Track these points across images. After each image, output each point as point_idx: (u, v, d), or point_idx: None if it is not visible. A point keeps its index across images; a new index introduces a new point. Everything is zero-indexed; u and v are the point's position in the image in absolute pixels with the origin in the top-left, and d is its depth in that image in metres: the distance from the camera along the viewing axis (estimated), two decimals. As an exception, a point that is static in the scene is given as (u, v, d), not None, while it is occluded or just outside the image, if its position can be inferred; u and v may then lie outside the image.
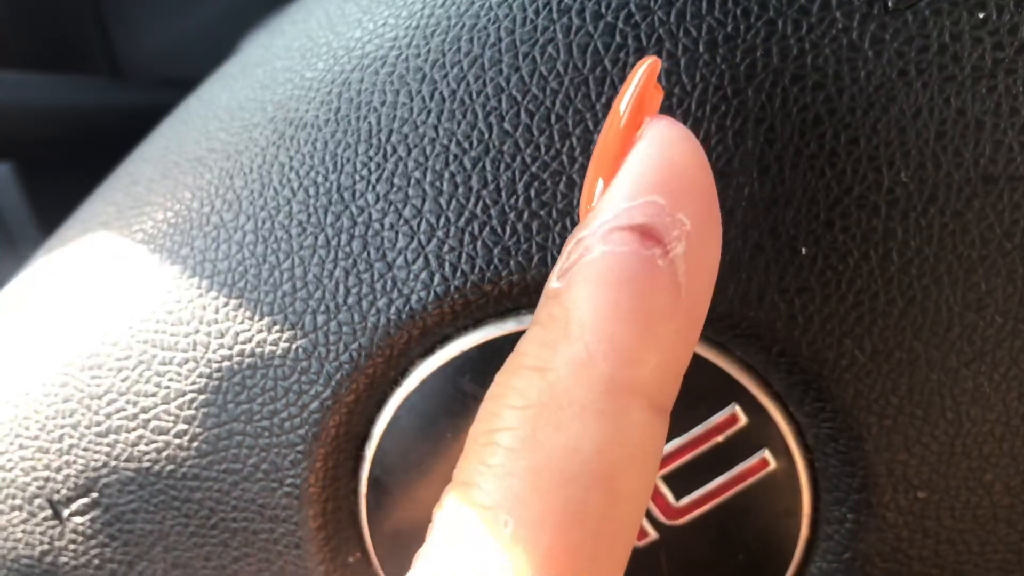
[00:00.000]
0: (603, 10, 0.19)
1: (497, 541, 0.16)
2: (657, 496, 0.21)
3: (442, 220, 0.20)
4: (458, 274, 0.20)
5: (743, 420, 0.21)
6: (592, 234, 0.17)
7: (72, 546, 0.24)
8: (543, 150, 0.20)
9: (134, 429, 0.23)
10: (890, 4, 0.19)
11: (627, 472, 0.16)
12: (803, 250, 0.19)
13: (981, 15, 0.18)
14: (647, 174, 0.17)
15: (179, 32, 0.54)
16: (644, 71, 0.18)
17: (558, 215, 0.20)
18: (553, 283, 0.17)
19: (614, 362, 0.16)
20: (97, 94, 0.46)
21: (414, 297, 0.21)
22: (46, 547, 0.24)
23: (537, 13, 0.20)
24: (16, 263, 0.39)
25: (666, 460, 0.21)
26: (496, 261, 0.20)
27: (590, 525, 0.16)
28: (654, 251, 0.17)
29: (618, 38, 0.19)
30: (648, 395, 0.17)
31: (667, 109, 0.19)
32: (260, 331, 0.21)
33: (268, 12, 0.51)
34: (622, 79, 0.19)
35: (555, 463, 0.16)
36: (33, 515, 0.24)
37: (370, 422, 0.22)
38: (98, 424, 0.23)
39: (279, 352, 0.21)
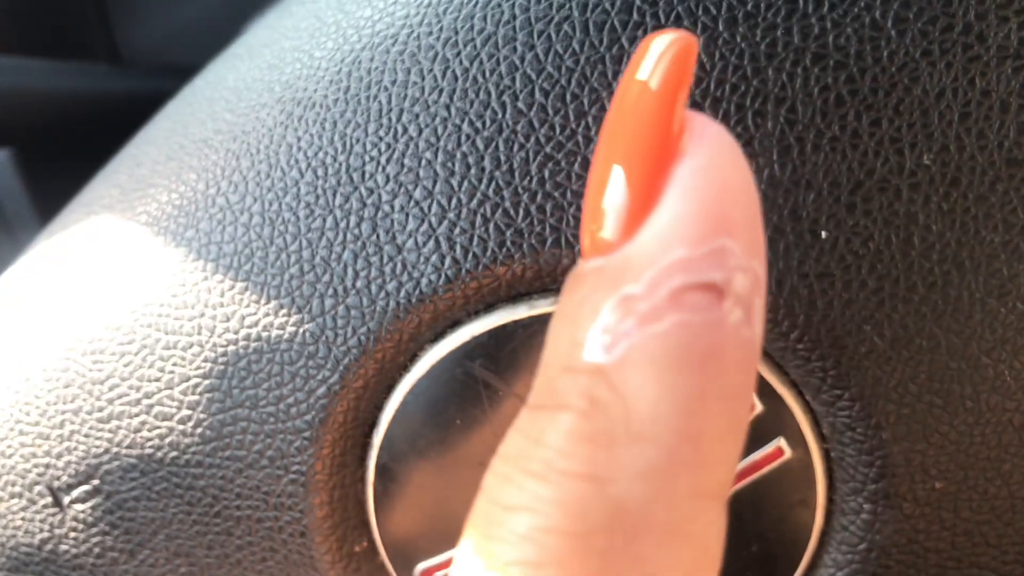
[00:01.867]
0: (621, -13, 0.19)
1: None
2: (670, 485, 0.21)
3: (453, 202, 0.20)
4: (469, 257, 0.20)
5: (759, 408, 0.20)
6: (652, 294, 0.13)
7: (73, 534, 0.24)
8: (558, 130, 0.19)
9: (137, 415, 0.22)
10: (914, -18, 0.18)
11: None
12: (824, 234, 0.19)
13: None
14: (712, 207, 0.13)
15: (180, 19, 0.54)
16: (681, 42, 0.14)
17: (573, 197, 0.19)
18: (591, 354, 0.13)
19: (698, 469, 0.13)
20: (97, 81, 0.46)
21: (424, 281, 0.20)
22: (46, 535, 0.24)
23: (552, -11, 0.19)
24: (14, 250, 0.38)
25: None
26: (509, 244, 0.20)
27: None
28: (736, 315, 0.13)
29: (636, 15, 0.19)
30: (724, 493, 0.14)
31: (685, 89, 0.19)
32: (267, 315, 0.21)
33: (269, 1, 0.50)
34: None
35: None
36: (33, 502, 0.24)
37: (378, 408, 0.21)
38: (100, 410, 0.23)
39: (286, 336, 0.21)
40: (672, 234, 0.13)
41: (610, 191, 0.14)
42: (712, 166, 0.13)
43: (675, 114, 0.14)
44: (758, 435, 0.20)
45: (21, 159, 0.47)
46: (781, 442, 0.20)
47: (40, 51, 0.49)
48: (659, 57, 0.14)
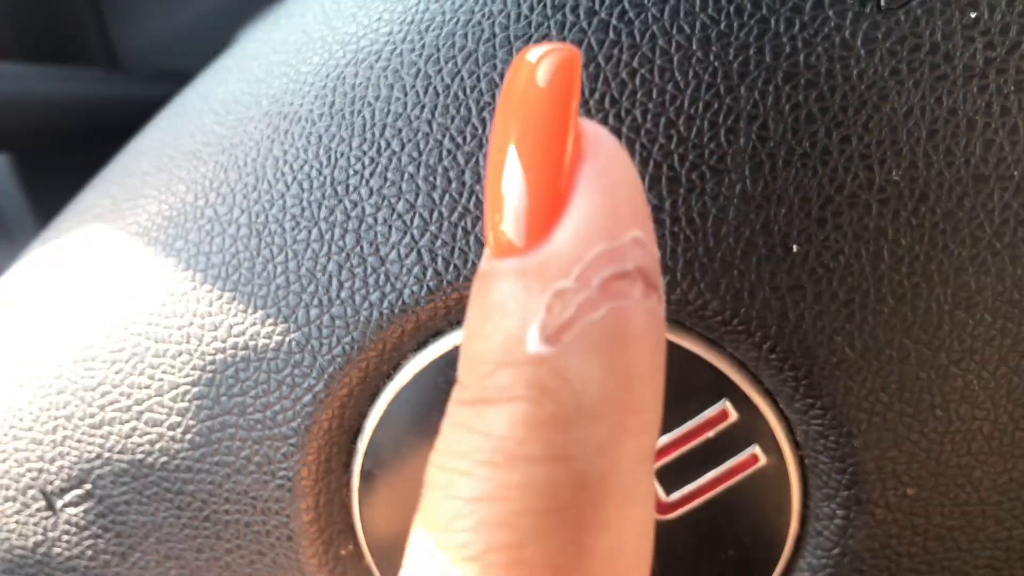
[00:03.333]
0: (597, 7, 0.19)
1: None
2: (648, 491, 0.21)
3: (435, 215, 0.20)
4: (451, 269, 0.20)
5: (733, 416, 0.21)
6: (584, 287, 0.14)
7: (65, 537, 0.24)
8: None
9: (128, 421, 0.23)
10: (883, 3, 0.19)
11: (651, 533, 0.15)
12: (795, 248, 0.19)
13: (973, 15, 0.18)
14: (620, 203, 0.14)
15: (176, 25, 0.54)
16: (566, 50, 0.15)
17: (551, 211, 0.20)
18: (533, 347, 0.14)
19: (641, 435, 0.15)
20: (94, 86, 0.46)
21: (407, 292, 0.21)
22: (39, 538, 0.24)
23: (532, 9, 0.20)
24: (12, 254, 0.39)
25: (657, 455, 0.21)
26: None
27: None
28: (653, 299, 0.15)
29: (612, 35, 0.19)
30: (653, 456, 0.15)
31: (660, 106, 0.19)
32: (253, 324, 0.22)
33: (265, 5, 0.51)
34: (616, 75, 0.19)
35: (607, 568, 0.14)
36: (26, 506, 0.24)
37: (363, 415, 0.22)
38: (92, 416, 0.23)
39: (272, 345, 0.21)
40: (591, 231, 0.14)
41: (513, 197, 0.15)
42: (611, 166, 0.15)
43: (571, 120, 0.15)
44: (733, 442, 0.21)
45: (19, 164, 0.48)
46: (756, 449, 0.21)
47: (38, 56, 0.49)
48: (546, 54, 0.15)
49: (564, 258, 0.14)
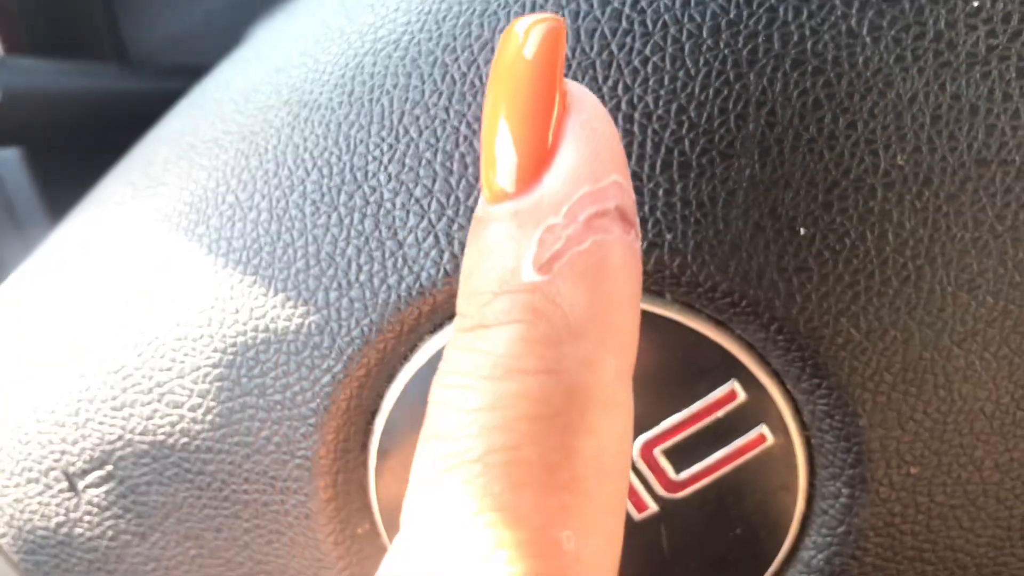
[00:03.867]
0: (610, -4, 0.20)
1: (561, 559, 0.15)
2: (657, 470, 0.22)
3: (452, 199, 0.21)
4: None
5: (742, 396, 0.21)
6: (571, 223, 0.16)
7: (87, 518, 0.25)
8: None
9: (149, 403, 0.23)
10: (888, -8, 0.19)
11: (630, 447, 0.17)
12: (802, 230, 0.20)
13: (975, 3, 0.19)
14: (602, 150, 0.16)
15: (187, 20, 0.54)
16: (551, 20, 0.17)
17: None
18: (528, 275, 0.16)
19: (620, 353, 0.16)
20: (106, 81, 0.47)
21: (424, 274, 0.21)
22: (62, 518, 0.25)
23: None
24: (24, 248, 0.39)
25: (666, 434, 0.21)
26: None
27: (622, 516, 0.17)
28: (631, 235, 0.17)
29: (624, 23, 0.20)
30: (632, 372, 0.17)
31: (671, 93, 0.20)
32: (274, 307, 0.22)
33: (275, 2, 0.51)
34: (629, 63, 0.20)
35: (592, 469, 0.16)
36: (49, 487, 0.25)
37: (380, 396, 0.22)
38: (113, 398, 0.24)
39: (292, 327, 0.22)
40: (577, 174, 0.16)
41: (505, 153, 0.16)
42: (593, 118, 0.17)
43: (557, 83, 0.17)
44: (742, 422, 0.21)
45: (31, 157, 0.48)
46: (763, 429, 0.21)
47: (50, 52, 0.50)
48: (532, 25, 0.17)
49: (554, 197, 0.16)
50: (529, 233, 0.16)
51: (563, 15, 0.20)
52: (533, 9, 0.20)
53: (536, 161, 0.16)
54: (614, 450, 0.16)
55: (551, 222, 0.16)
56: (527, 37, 0.17)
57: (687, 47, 0.20)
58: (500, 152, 0.16)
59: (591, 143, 0.16)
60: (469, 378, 0.16)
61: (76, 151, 0.46)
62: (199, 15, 0.55)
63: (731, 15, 0.20)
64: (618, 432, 0.16)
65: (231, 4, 0.55)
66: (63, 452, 0.24)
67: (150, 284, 0.23)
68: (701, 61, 0.20)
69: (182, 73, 0.47)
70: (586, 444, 0.16)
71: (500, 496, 0.15)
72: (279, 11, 0.47)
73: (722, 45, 0.20)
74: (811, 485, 0.22)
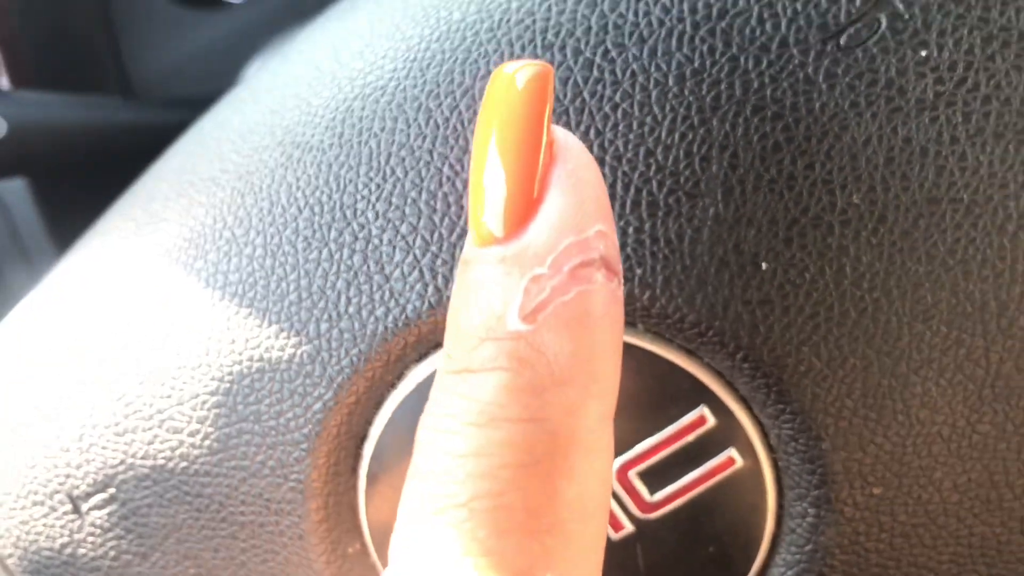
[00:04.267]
0: (582, 47, 0.21)
1: None
2: (633, 491, 0.23)
3: (436, 236, 0.22)
4: (450, 285, 0.22)
5: (711, 421, 0.22)
6: (556, 273, 0.16)
7: (90, 539, 0.25)
8: None
9: (150, 429, 0.24)
10: (842, 42, 0.20)
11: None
12: (764, 265, 0.21)
13: (923, 53, 0.20)
14: (587, 200, 0.17)
15: (189, 52, 0.55)
16: (539, 66, 0.17)
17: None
18: (513, 324, 0.16)
19: (602, 399, 0.17)
20: (110, 113, 0.48)
21: (410, 307, 0.22)
22: (66, 540, 0.26)
23: (523, 49, 0.22)
24: (31, 277, 0.40)
25: (640, 457, 0.22)
26: None
27: (601, 551, 0.17)
28: (614, 283, 0.17)
29: (595, 72, 0.21)
30: (612, 416, 0.17)
31: (640, 137, 0.21)
32: (268, 338, 0.23)
33: (275, 34, 0.52)
34: (600, 109, 0.21)
35: (574, 512, 0.16)
36: (54, 509, 0.26)
37: (369, 422, 0.24)
38: (116, 424, 0.25)
39: (285, 357, 0.23)
40: (562, 225, 0.16)
41: (493, 193, 0.17)
42: (579, 167, 0.17)
43: (546, 124, 0.17)
44: (711, 446, 0.22)
45: (37, 189, 0.49)
46: (733, 452, 0.22)
47: (55, 84, 0.51)
48: (521, 67, 0.17)
49: (540, 247, 0.16)
50: (515, 281, 0.16)
51: (539, 64, 0.21)
52: (512, 58, 0.22)
53: (523, 206, 0.17)
54: (596, 493, 0.17)
55: (537, 272, 0.16)
56: (517, 74, 0.17)
57: (654, 94, 0.21)
58: (488, 192, 0.17)
59: (577, 193, 0.17)
60: (455, 422, 0.17)
61: (81, 181, 0.47)
62: (201, 45, 0.56)
63: (695, 64, 0.21)
64: (599, 474, 0.17)
65: (232, 35, 0.56)
66: (68, 476, 0.25)
67: (151, 316, 0.25)
68: (667, 107, 0.21)
69: (183, 105, 0.49)
70: (569, 489, 0.16)
71: (486, 541, 0.16)
72: (276, 51, 0.48)
73: (687, 92, 0.21)
74: (779, 505, 0.23)
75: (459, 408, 0.17)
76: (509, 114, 0.17)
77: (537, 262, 0.16)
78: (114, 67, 0.53)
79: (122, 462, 0.25)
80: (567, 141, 0.17)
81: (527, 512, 0.16)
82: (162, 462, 0.24)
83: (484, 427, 0.16)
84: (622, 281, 0.18)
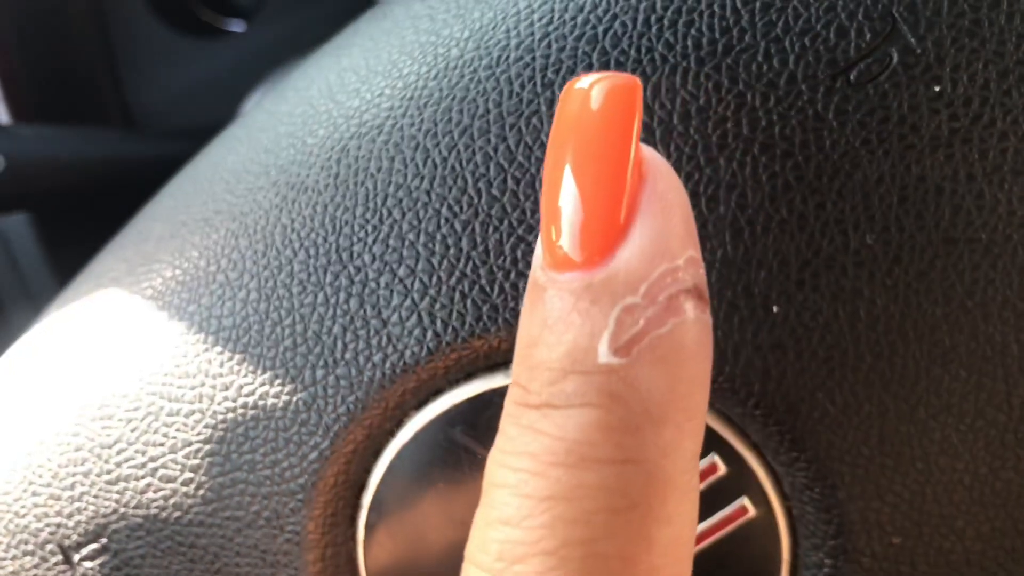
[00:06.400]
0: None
1: None
2: (641, 542, 0.22)
3: (434, 279, 0.21)
4: (449, 330, 0.21)
5: (722, 469, 0.21)
6: (651, 303, 0.15)
7: (82, 590, 0.25)
8: (528, 213, 0.21)
9: (143, 477, 0.24)
10: (852, 78, 0.20)
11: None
12: (775, 309, 0.20)
13: (937, 88, 0.19)
14: (677, 225, 0.16)
15: (191, 82, 0.55)
16: (622, 77, 0.16)
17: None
18: (605, 357, 0.15)
19: (695, 437, 0.16)
20: (109, 146, 0.47)
21: (408, 352, 0.22)
22: None
23: (523, 87, 0.21)
24: (33, 312, 0.40)
25: (649, 508, 0.22)
26: (485, 318, 0.21)
27: None
28: (706, 313, 0.16)
29: None
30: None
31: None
32: (262, 384, 0.23)
33: (278, 63, 0.52)
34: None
35: (668, 558, 0.15)
36: (45, 560, 0.25)
37: (367, 471, 0.23)
38: (108, 472, 0.24)
39: (280, 404, 0.22)
40: (655, 251, 0.15)
41: (570, 214, 0.16)
42: (669, 190, 0.16)
43: (633, 144, 0.16)
44: (723, 494, 0.22)
45: (39, 221, 0.49)
46: (745, 501, 0.22)
47: (56, 117, 0.51)
48: (597, 80, 0.16)
49: (632, 275, 0.15)
50: (605, 311, 0.15)
51: (538, 102, 0.21)
52: (510, 98, 0.21)
53: (609, 230, 0.15)
54: (688, 537, 0.16)
55: (630, 302, 0.15)
56: (593, 90, 0.16)
57: (658, 133, 0.20)
58: (565, 212, 0.16)
59: (668, 216, 0.16)
60: (536, 462, 0.15)
61: (83, 215, 0.47)
62: (203, 75, 0.56)
63: (700, 102, 0.20)
64: (690, 516, 0.16)
65: (234, 64, 0.56)
66: (59, 525, 0.25)
67: (143, 361, 0.24)
68: (672, 147, 0.20)
69: (185, 135, 0.48)
70: (664, 534, 0.15)
71: None
72: (277, 82, 0.48)
73: (692, 131, 0.20)
74: (794, 556, 0.22)
75: (540, 446, 0.15)
76: (587, 128, 0.16)
77: (630, 291, 0.15)
78: (115, 98, 0.53)
79: (114, 511, 0.24)
80: (655, 161, 0.16)
81: (623, 560, 0.15)
82: (155, 511, 0.24)
83: (573, 467, 0.15)
84: (709, 311, 0.16)
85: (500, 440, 0.16)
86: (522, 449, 0.16)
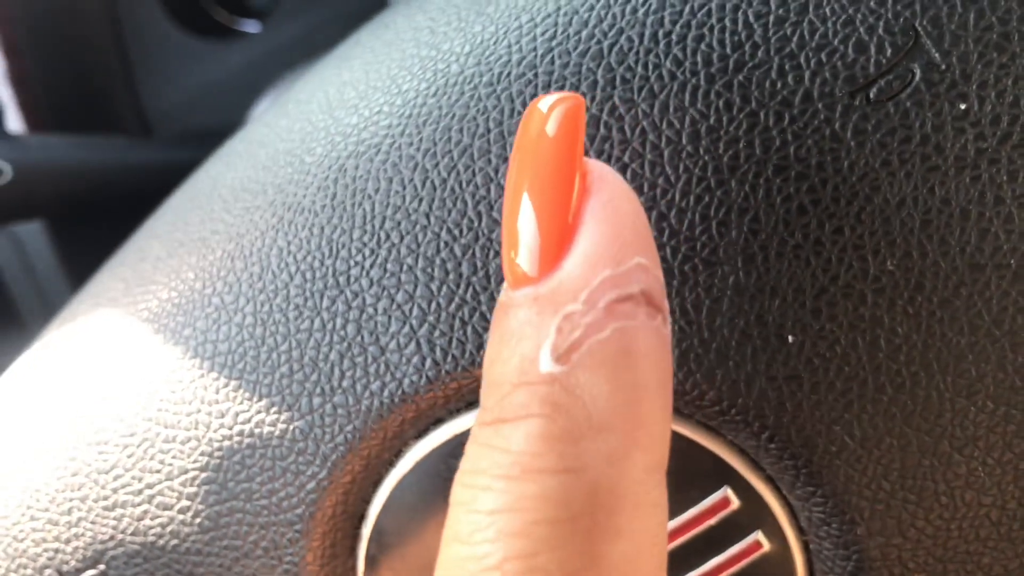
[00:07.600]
0: (588, 103, 0.20)
1: None
2: (651, 578, 0.21)
3: (433, 305, 0.21)
4: (449, 358, 0.21)
5: (735, 503, 0.21)
6: (591, 309, 0.15)
7: (80, 617, 0.24)
8: None
9: (139, 504, 0.23)
10: (872, 95, 0.19)
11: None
12: (790, 338, 0.19)
13: (963, 106, 0.18)
14: (623, 232, 0.16)
15: (204, 83, 0.55)
16: (571, 99, 0.16)
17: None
18: (546, 366, 0.15)
19: (649, 446, 0.15)
20: (117, 153, 0.47)
21: (406, 381, 0.21)
22: None
23: (524, 104, 0.20)
24: (48, 318, 0.39)
25: (658, 543, 0.21)
26: (486, 345, 0.20)
27: None
28: (658, 319, 0.16)
29: (603, 130, 0.20)
30: (664, 466, 0.16)
31: (651, 200, 0.19)
32: (259, 412, 0.22)
33: (290, 65, 0.52)
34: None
35: (623, 573, 0.15)
36: (43, 586, 0.25)
37: (366, 502, 0.22)
38: (105, 498, 0.24)
39: (277, 433, 0.22)
40: (597, 258, 0.15)
41: (526, 234, 0.16)
42: (615, 199, 0.16)
43: (577, 162, 0.16)
44: (736, 529, 0.21)
45: (53, 228, 0.49)
46: (759, 535, 0.21)
47: (70, 122, 0.50)
48: (555, 104, 0.16)
49: (573, 283, 0.15)
50: (547, 320, 0.15)
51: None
52: (511, 116, 0.20)
53: (556, 243, 0.16)
54: (646, 556, 0.15)
55: (570, 309, 0.15)
56: (550, 116, 0.16)
57: (666, 154, 0.19)
58: (522, 232, 0.16)
59: (612, 224, 0.16)
60: (487, 477, 0.15)
61: (97, 221, 0.47)
62: (218, 75, 0.56)
63: (711, 121, 0.19)
64: (649, 533, 0.15)
65: (247, 65, 0.55)
66: (57, 551, 0.24)
67: (139, 385, 0.23)
68: (681, 168, 0.19)
69: (197, 139, 0.48)
70: (613, 550, 0.15)
71: None
72: (287, 87, 0.47)
73: (702, 151, 0.19)
74: None
75: (491, 461, 0.15)
76: (542, 150, 0.16)
77: (570, 298, 0.15)
78: (130, 101, 0.53)
79: (112, 538, 0.24)
80: (601, 171, 0.16)
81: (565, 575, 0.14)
82: (152, 539, 0.23)
83: (517, 479, 0.15)
84: (668, 318, 0.16)
85: (462, 461, 0.16)
86: (475, 466, 0.16)
